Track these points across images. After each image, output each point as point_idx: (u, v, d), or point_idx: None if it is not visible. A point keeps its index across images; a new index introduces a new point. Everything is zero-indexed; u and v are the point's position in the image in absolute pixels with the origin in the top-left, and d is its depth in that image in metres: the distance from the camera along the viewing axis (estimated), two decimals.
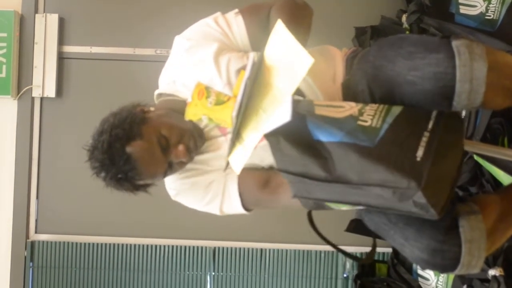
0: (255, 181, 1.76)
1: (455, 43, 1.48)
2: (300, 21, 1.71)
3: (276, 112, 1.37)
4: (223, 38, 1.77)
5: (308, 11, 1.76)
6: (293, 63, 1.36)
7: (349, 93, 1.70)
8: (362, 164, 1.39)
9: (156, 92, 1.88)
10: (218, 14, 1.81)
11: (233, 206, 1.81)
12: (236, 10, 1.80)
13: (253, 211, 1.84)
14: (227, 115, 1.49)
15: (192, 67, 1.75)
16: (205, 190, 1.81)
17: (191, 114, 1.52)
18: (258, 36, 1.77)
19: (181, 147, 1.67)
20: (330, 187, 1.42)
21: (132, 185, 1.69)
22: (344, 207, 1.49)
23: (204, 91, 1.50)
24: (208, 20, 1.80)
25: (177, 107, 1.76)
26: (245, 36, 1.78)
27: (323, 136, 1.43)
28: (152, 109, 1.77)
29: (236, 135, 1.52)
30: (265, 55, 1.51)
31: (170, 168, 1.71)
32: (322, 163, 1.42)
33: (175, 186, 1.85)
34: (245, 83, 1.45)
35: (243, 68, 1.55)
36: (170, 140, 1.67)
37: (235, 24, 1.77)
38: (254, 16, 1.77)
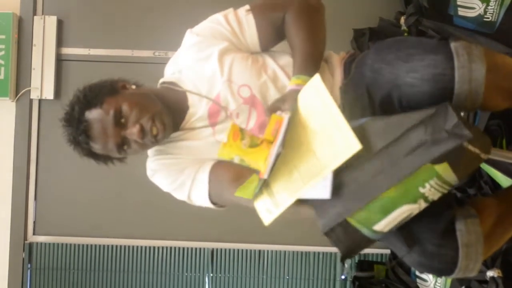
0: (227, 175, 1.75)
1: (453, 45, 1.48)
2: (318, 30, 1.74)
3: (314, 183, 1.39)
4: (232, 37, 1.78)
5: (322, 10, 1.78)
6: (337, 139, 1.37)
7: (347, 98, 1.70)
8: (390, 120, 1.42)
9: (160, 80, 1.90)
10: (230, 10, 1.82)
11: (200, 196, 1.81)
12: (247, 7, 1.81)
13: (224, 208, 1.86)
14: (259, 158, 1.51)
15: (197, 61, 1.78)
16: (178, 174, 1.82)
17: (225, 154, 1.53)
18: (269, 38, 1.80)
19: (135, 127, 1.68)
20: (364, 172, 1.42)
21: (87, 151, 1.74)
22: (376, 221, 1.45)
23: (239, 133, 1.52)
24: (219, 17, 1.81)
25: (170, 96, 1.79)
26: (255, 37, 1.79)
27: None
28: (133, 87, 1.79)
29: (264, 183, 1.53)
30: (300, 106, 1.51)
31: (127, 145, 1.72)
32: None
33: (153, 166, 1.87)
34: (283, 134, 1.48)
35: (273, 109, 1.57)
36: (128, 117, 1.69)
37: (245, 23, 1.78)
38: (266, 16, 1.78)
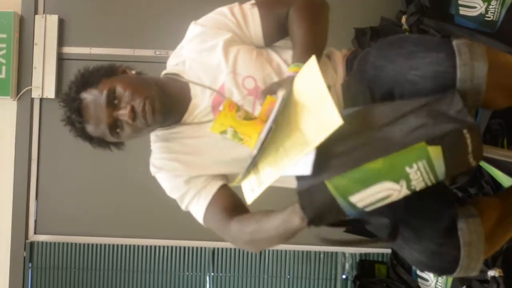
0: (222, 211, 1.79)
1: (455, 42, 1.48)
2: (321, 25, 1.74)
3: (297, 159, 1.37)
4: (236, 29, 1.78)
5: (326, 8, 1.78)
6: (322, 116, 1.35)
7: (348, 94, 1.70)
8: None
9: (163, 72, 1.90)
10: (235, 4, 1.82)
11: (196, 214, 1.85)
12: (253, 1, 1.82)
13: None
14: (252, 132, 1.52)
15: (201, 52, 1.78)
16: (184, 184, 1.82)
17: (219, 124, 1.52)
18: (273, 32, 1.80)
19: (127, 108, 1.68)
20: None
21: (81, 132, 1.75)
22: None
23: (235, 105, 1.53)
24: (224, 9, 1.81)
25: (173, 86, 1.79)
26: (259, 30, 1.79)
27: None
28: (133, 72, 1.82)
29: (253, 164, 1.52)
30: (294, 88, 1.51)
31: (119, 127, 1.72)
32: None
33: (158, 164, 1.86)
34: (276, 112, 1.46)
35: (268, 92, 1.57)
36: (121, 98, 1.69)
37: (250, 16, 1.79)
38: (270, 10, 1.79)
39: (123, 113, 1.68)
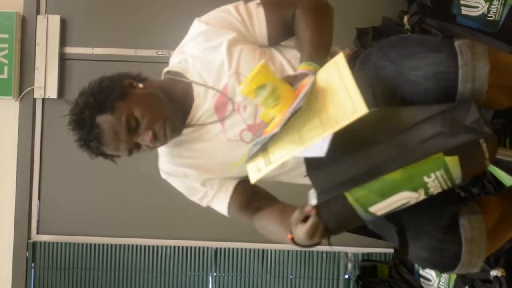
0: (242, 209, 1.86)
1: (457, 43, 1.48)
2: (326, 27, 1.74)
3: (312, 144, 1.36)
4: (241, 28, 1.76)
5: (331, 12, 1.78)
6: (345, 104, 1.34)
7: None
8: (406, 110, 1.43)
9: (165, 69, 1.86)
10: (240, 2, 1.80)
11: (220, 211, 1.88)
12: (258, 0, 1.80)
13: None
14: (289, 97, 1.44)
15: (205, 51, 1.75)
16: (201, 187, 1.84)
17: (261, 75, 1.42)
18: (278, 32, 1.79)
19: (149, 134, 1.66)
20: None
21: (97, 152, 1.72)
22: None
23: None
24: (230, 7, 1.79)
25: (175, 88, 1.77)
26: (264, 29, 1.77)
27: None
28: (141, 85, 1.75)
29: (263, 148, 1.50)
30: (317, 80, 1.48)
31: (136, 148, 1.71)
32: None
33: (167, 169, 1.87)
34: (305, 92, 1.42)
35: (302, 77, 1.53)
36: (140, 123, 1.66)
37: (255, 14, 1.77)
38: (276, 10, 1.77)
39: (145, 138, 1.67)
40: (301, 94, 1.42)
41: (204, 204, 1.88)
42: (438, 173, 1.37)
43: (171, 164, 1.86)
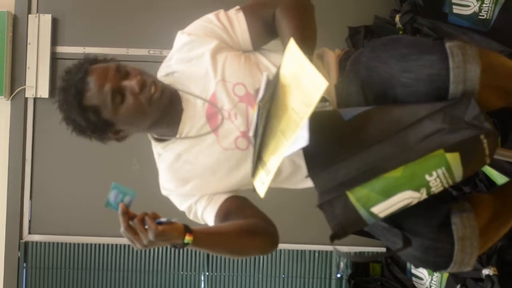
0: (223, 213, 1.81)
1: (448, 45, 1.49)
2: (308, 23, 1.73)
3: (294, 137, 1.37)
4: (224, 35, 1.76)
5: (311, 8, 1.77)
6: (307, 86, 1.36)
7: (342, 95, 1.70)
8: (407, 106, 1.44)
9: None
10: (221, 10, 1.81)
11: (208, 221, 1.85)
12: (238, 6, 1.80)
13: None
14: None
15: (189, 61, 1.76)
16: (194, 203, 1.84)
17: None
18: (260, 34, 1.79)
19: (138, 78, 1.66)
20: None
21: (79, 98, 1.69)
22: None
23: None
24: (210, 16, 1.80)
25: None
26: (246, 34, 1.77)
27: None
28: None
29: (258, 159, 1.52)
30: (281, 74, 1.50)
31: (122, 96, 1.67)
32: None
33: (169, 187, 1.86)
34: (258, 106, 1.46)
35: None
36: (131, 72, 1.69)
37: (236, 20, 1.77)
38: (256, 13, 1.77)
39: (132, 82, 1.66)
40: (259, 92, 1.48)
41: (191, 216, 1.86)
42: (439, 171, 1.38)
43: (171, 181, 1.85)
